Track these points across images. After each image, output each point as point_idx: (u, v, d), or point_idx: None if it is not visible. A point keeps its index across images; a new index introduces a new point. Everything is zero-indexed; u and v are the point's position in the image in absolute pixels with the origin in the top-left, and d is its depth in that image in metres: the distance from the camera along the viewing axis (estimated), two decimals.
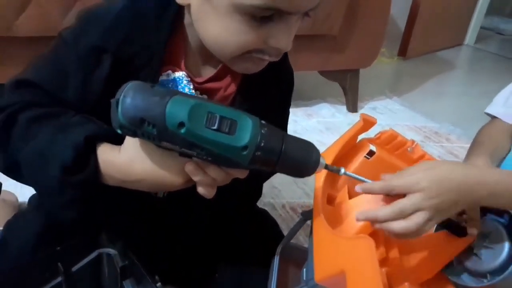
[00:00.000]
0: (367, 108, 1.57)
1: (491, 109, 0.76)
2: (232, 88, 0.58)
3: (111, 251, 0.57)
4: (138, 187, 0.46)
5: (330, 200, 0.57)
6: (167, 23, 0.51)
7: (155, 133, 0.38)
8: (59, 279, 0.54)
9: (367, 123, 0.59)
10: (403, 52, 2.32)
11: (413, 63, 2.30)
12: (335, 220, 0.54)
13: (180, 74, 0.54)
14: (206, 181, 0.43)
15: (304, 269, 0.52)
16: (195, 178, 0.43)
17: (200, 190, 0.44)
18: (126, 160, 0.44)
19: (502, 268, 0.52)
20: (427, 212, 0.44)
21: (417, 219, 0.45)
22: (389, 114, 1.55)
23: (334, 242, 0.48)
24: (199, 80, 0.55)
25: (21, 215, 0.63)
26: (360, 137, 0.61)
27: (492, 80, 2.04)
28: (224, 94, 0.57)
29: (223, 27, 0.46)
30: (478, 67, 2.45)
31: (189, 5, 0.49)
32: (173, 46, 0.53)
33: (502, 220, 0.55)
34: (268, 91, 0.60)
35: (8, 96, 0.50)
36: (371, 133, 0.62)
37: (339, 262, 0.45)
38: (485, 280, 0.53)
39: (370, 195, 0.51)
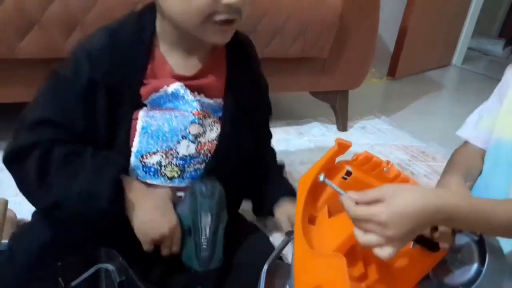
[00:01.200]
0: (356, 127, 1.62)
1: (462, 132, 0.81)
2: (222, 78, 0.67)
3: (110, 266, 0.60)
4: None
5: (311, 220, 0.61)
6: (143, 49, 0.61)
7: None
8: None
9: (342, 146, 0.62)
10: (392, 73, 2.39)
11: (402, 83, 2.37)
12: (316, 238, 0.58)
13: (174, 86, 0.62)
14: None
15: (288, 285, 0.56)
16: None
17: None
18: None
19: (472, 281, 0.56)
20: (380, 239, 0.47)
21: (371, 239, 0.48)
22: (377, 134, 1.61)
23: (311, 259, 0.53)
24: (189, 75, 0.64)
25: (26, 228, 0.66)
26: (338, 159, 0.65)
27: (479, 100, 2.05)
28: (219, 84, 0.67)
29: None
30: (465, 87, 2.53)
31: None
32: (154, 63, 0.62)
33: (473, 236, 0.59)
34: (251, 85, 0.71)
35: (30, 133, 0.57)
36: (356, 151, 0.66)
37: (316, 278, 0.50)
38: None
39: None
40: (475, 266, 0.57)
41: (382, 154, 1.41)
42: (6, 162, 0.60)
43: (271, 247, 0.68)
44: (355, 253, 0.57)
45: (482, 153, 0.78)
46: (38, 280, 0.58)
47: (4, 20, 0.90)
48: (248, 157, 0.75)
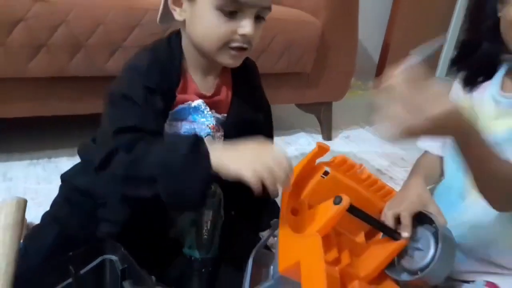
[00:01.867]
0: (341, 137, 1.73)
1: (422, 144, 0.92)
2: (229, 96, 0.78)
3: (113, 257, 0.69)
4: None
5: (294, 211, 0.71)
6: (177, 67, 0.73)
7: None
8: (70, 280, 0.66)
9: (322, 149, 0.73)
10: (377, 85, 2.51)
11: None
12: (298, 227, 0.67)
13: (197, 103, 0.74)
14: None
15: (272, 267, 0.65)
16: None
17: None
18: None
19: (428, 265, 0.66)
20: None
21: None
22: (360, 142, 1.71)
23: (293, 240, 0.62)
24: (208, 94, 0.76)
25: (37, 229, 0.75)
26: (318, 161, 0.76)
27: None
28: (226, 102, 0.78)
29: (206, 23, 0.68)
30: None
31: (184, 20, 0.70)
32: (184, 80, 0.74)
33: (431, 228, 0.69)
34: (253, 103, 0.81)
35: (114, 141, 0.65)
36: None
37: (296, 254, 0.59)
38: (416, 276, 0.67)
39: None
40: (431, 252, 0.67)
41: (364, 161, 1.51)
42: (99, 169, 0.66)
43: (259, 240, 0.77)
44: (330, 240, 0.66)
45: (440, 159, 0.88)
46: (52, 270, 0.67)
47: (16, 45, 1.00)
48: None
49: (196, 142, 0.62)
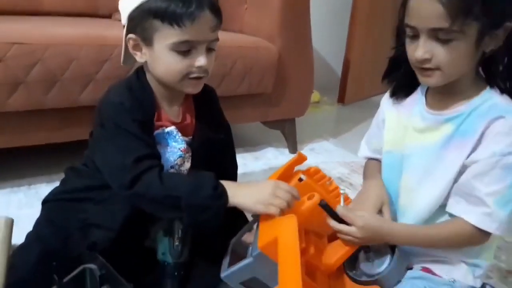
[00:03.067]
0: (306, 149, 1.86)
1: (361, 154, 1.05)
2: (193, 121, 0.90)
3: (92, 266, 0.79)
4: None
5: None
6: (151, 100, 0.84)
7: None
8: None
9: (301, 158, 0.87)
10: (342, 99, 2.67)
11: (351, 108, 2.64)
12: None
13: (171, 129, 0.85)
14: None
15: (250, 247, 0.75)
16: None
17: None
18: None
19: (383, 272, 0.78)
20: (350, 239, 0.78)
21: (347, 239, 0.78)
22: (324, 153, 1.84)
23: (272, 221, 0.74)
24: (177, 121, 0.87)
25: (23, 247, 0.84)
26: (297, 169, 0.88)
27: None
28: (191, 126, 0.90)
29: (166, 62, 0.79)
30: None
31: (145, 62, 0.82)
32: (158, 110, 0.85)
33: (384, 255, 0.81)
34: (214, 120, 0.94)
35: (140, 165, 0.76)
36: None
37: (274, 232, 0.70)
38: (372, 278, 0.78)
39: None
40: (387, 261, 0.79)
41: (326, 170, 1.63)
42: (127, 188, 0.76)
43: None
44: (300, 234, 0.74)
45: (379, 164, 1.01)
46: (38, 280, 0.76)
47: None
48: None
49: (217, 184, 0.76)
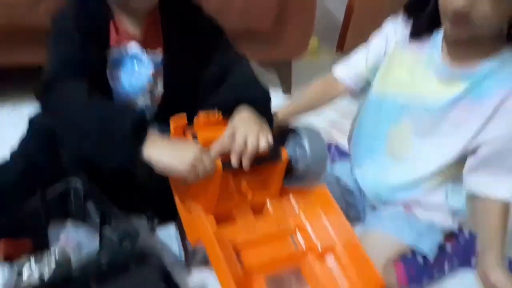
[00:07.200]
0: (299, 92, 1.83)
1: (337, 73, 1.15)
2: (159, 30, 0.80)
3: (78, 185, 0.79)
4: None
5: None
6: (104, 9, 0.76)
7: None
8: (39, 203, 0.75)
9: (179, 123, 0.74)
10: (341, 46, 2.59)
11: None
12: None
13: (134, 51, 0.77)
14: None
15: None
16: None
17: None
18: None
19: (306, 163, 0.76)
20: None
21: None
22: None
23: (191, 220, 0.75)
24: (140, 34, 0.78)
25: (6, 163, 0.83)
26: None
27: None
28: (158, 37, 0.80)
29: None
30: None
31: None
32: (114, 23, 0.76)
33: (298, 136, 0.78)
34: (191, 43, 0.82)
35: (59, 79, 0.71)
36: None
37: (196, 234, 0.74)
38: (301, 177, 0.78)
39: None
40: (307, 153, 0.76)
41: (316, 114, 1.62)
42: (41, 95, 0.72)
43: None
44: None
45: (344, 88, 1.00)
46: (20, 195, 0.75)
47: None
48: (204, 93, 0.83)
49: (142, 124, 0.66)
